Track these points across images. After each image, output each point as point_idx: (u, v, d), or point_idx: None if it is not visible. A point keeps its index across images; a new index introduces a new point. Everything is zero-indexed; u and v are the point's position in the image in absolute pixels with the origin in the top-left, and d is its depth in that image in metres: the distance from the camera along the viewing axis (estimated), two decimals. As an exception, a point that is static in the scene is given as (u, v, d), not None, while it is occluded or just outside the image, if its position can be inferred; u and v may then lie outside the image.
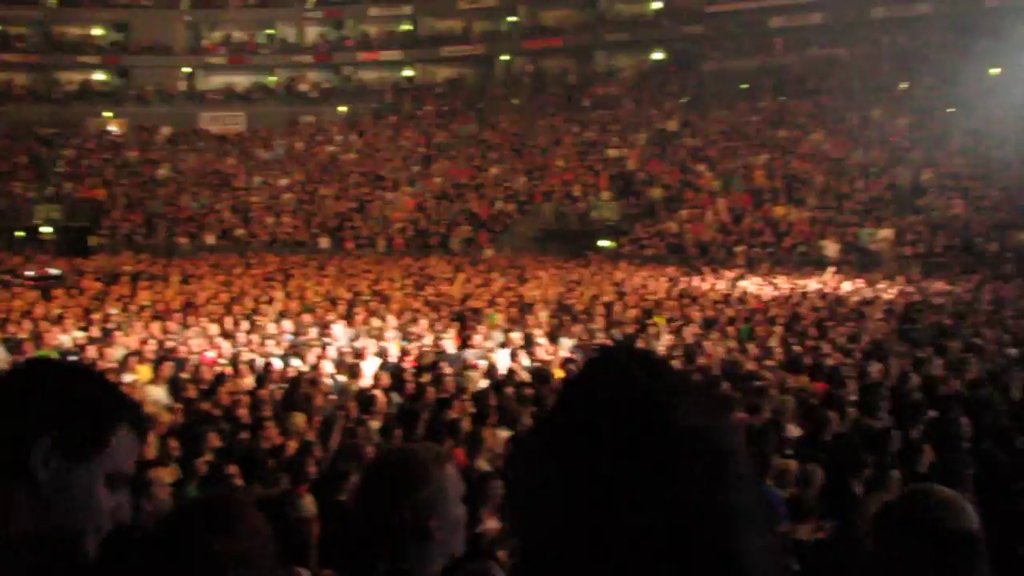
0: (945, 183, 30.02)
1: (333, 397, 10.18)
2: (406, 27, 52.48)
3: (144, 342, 12.81)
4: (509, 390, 10.21)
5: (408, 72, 52.66)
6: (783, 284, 21.92)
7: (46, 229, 39.40)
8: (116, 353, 12.10)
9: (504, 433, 8.36)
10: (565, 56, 49.74)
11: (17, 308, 16.59)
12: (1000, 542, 3.48)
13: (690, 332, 14.42)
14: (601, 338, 14.27)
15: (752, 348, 13.08)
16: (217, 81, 52.57)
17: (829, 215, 30.07)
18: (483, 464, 7.44)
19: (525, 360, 12.61)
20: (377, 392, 9.86)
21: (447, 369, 11.31)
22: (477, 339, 13.86)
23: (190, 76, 52.44)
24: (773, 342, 13.62)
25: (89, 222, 39.56)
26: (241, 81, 52.64)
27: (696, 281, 23.15)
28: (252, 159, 46.40)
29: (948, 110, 34.23)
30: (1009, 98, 31.62)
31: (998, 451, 7.12)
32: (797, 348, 13.03)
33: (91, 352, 12.19)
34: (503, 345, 13.49)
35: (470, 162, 41.94)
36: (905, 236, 27.45)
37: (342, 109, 50.96)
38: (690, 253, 29.72)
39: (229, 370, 11.30)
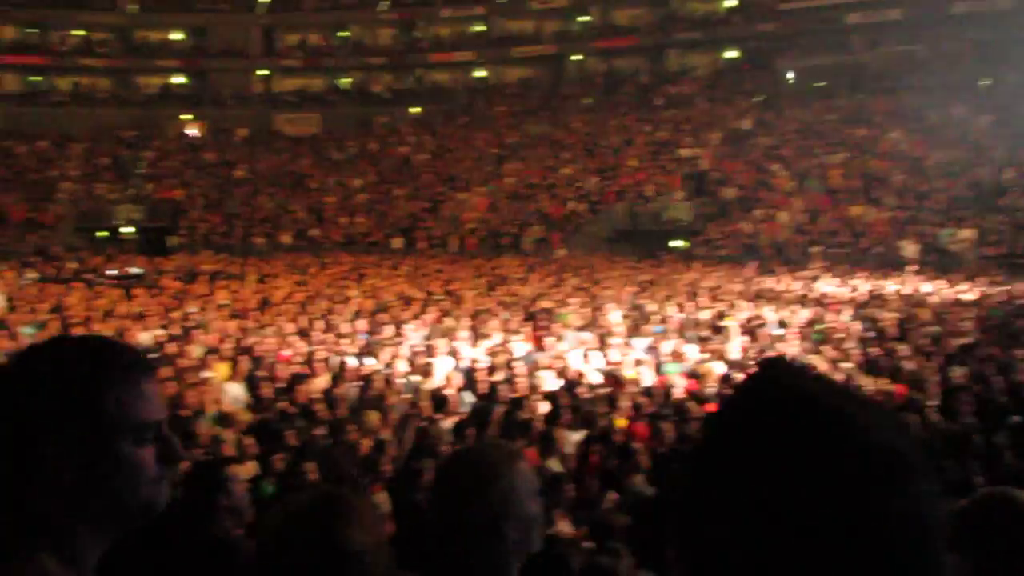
0: (1028, 182, 29.23)
1: (406, 396, 10.25)
2: (478, 28, 52.66)
3: (222, 340, 12.99)
4: (581, 390, 10.19)
5: (480, 73, 52.87)
6: (862, 285, 21.52)
7: (127, 229, 40.37)
8: (196, 351, 12.32)
9: (576, 435, 8.34)
10: (637, 55, 49.50)
11: (100, 307, 17.04)
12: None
13: (764, 334, 14.21)
14: (674, 339, 14.07)
15: (827, 350, 12.85)
16: (292, 83, 53.35)
17: (908, 215, 29.47)
18: (555, 465, 7.42)
19: (598, 360, 12.55)
20: (450, 391, 9.91)
21: (520, 369, 11.29)
22: (550, 339, 13.84)
23: (266, 79, 53.30)
24: (850, 344, 13.36)
25: (168, 222, 40.45)
26: (315, 83, 53.38)
27: (771, 282, 22.85)
28: (326, 160, 46.99)
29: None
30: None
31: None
32: (875, 351, 12.78)
33: (171, 349, 12.43)
34: (576, 345, 13.43)
35: (542, 162, 41.90)
36: (987, 236, 26.81)
37: (415, 110, 51.35)
38: (765, 253, 29.34)
39: (305, 368, 11.44)
